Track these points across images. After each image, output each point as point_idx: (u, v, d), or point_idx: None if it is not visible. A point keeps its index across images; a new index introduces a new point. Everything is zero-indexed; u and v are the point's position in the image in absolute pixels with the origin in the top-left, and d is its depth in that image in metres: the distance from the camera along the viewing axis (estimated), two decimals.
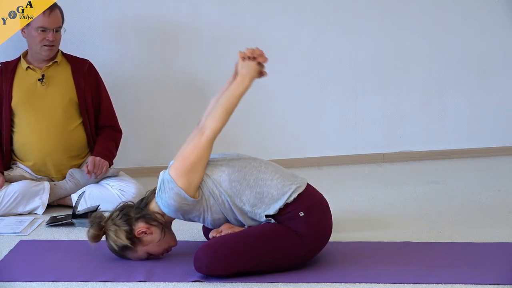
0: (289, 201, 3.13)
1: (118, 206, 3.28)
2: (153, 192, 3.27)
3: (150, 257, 3.28)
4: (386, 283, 3.05)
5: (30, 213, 4.08)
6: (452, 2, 5.15)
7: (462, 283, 3.04)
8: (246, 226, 3.20)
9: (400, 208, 4.12)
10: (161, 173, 3.21)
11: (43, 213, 4.07)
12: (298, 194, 3.15)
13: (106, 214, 3.28)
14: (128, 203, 3.31)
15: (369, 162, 5.18)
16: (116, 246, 3.23)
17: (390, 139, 5.22)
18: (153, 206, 3.24)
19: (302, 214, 3.13)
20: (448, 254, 3.37)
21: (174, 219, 3.27)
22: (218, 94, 3.36)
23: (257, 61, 3.24)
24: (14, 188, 4.06)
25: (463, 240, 3.56)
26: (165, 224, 3.25)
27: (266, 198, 3.15)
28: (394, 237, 3.61)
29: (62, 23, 4.21)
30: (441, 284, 3.04)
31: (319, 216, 3.18)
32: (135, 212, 3.23)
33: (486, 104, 5.29)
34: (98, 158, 4.17)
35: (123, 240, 3.20)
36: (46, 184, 4.12)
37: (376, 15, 5.08)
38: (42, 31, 4.14)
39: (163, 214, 3.23)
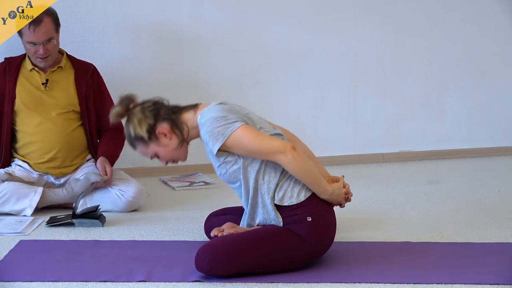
0: (299, 202, 3.15)
1: (153, 99, 3.28)
2: (193, 108, 3.25)
3: (154, 158, 3.27)
4: (386, 283, 3.05)
5: (18, 214, 4.04)
6: (452, 2, 5.15)
7: (462, 283, 3.04)
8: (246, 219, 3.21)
9: (400, 208, 4.12)
10: (213, 109, 3.19)
11: (43, 214, 4.04)
12: (309, 198, 3.16)
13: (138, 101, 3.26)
14: (164, 100, 3.29)
15: (369, 162, 5.18)
16: (133, 133, 3.21)
17: (390, 139, 5.22)
18: (186, 118, 3.23)
19: (310, 219, 3.14)
20: (448, 254, 3.37)
21: (197, 137, 3.26)
22: (315, 158, 3.39)
23: (345, 197, 3.28)
24: (5, 187, 4.03)
25: (463, 240, 3.56)
26: (186, 138, 3.24)
27: (285, 189, 3.16)
28: (394, 237, 3.61)
29: (57, 29, 4.14)
30: (441, 284, 3.04)
31: (325, 225, 3.18)
32: (165, 111, 3.23)
33: (486, 104, 5.28)
34: (111, 170, 4.14)
35: (142, 131, 3.19)
36: (39, 188, 4.09)
37: (376, 15, 5.08)
38: (33, 44, 4.11)
39: (190, 130, 3.23)
